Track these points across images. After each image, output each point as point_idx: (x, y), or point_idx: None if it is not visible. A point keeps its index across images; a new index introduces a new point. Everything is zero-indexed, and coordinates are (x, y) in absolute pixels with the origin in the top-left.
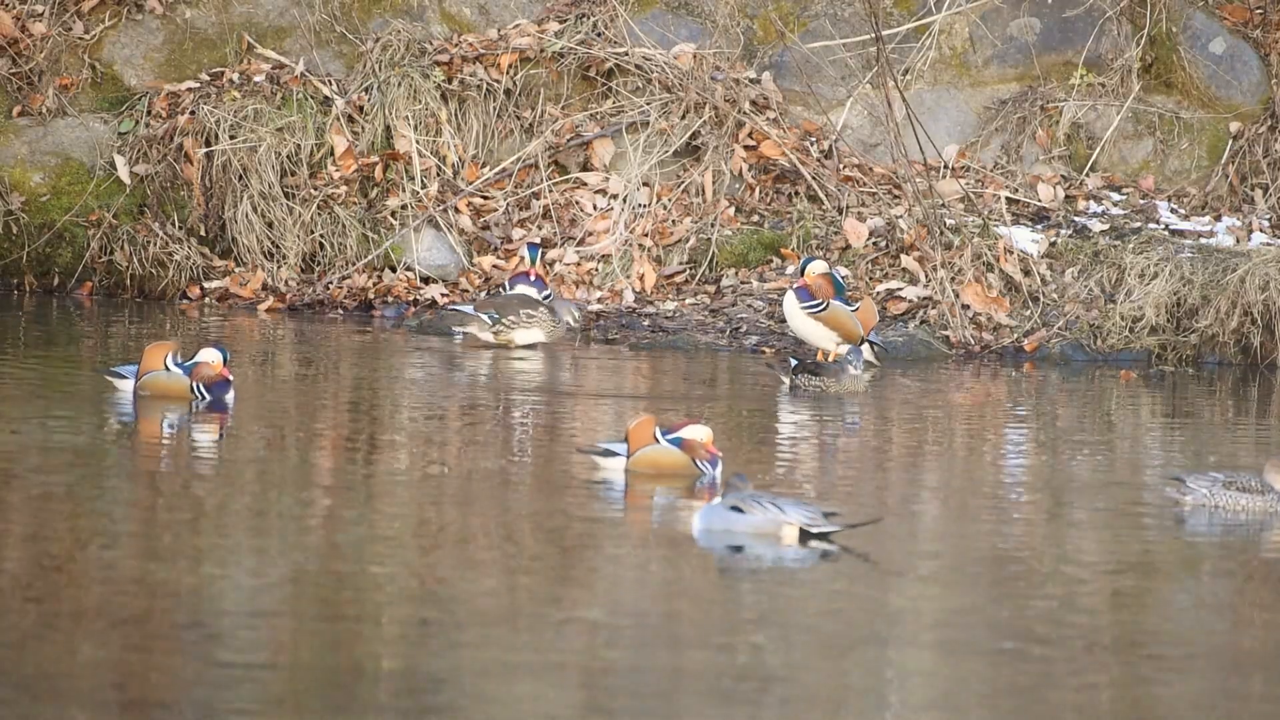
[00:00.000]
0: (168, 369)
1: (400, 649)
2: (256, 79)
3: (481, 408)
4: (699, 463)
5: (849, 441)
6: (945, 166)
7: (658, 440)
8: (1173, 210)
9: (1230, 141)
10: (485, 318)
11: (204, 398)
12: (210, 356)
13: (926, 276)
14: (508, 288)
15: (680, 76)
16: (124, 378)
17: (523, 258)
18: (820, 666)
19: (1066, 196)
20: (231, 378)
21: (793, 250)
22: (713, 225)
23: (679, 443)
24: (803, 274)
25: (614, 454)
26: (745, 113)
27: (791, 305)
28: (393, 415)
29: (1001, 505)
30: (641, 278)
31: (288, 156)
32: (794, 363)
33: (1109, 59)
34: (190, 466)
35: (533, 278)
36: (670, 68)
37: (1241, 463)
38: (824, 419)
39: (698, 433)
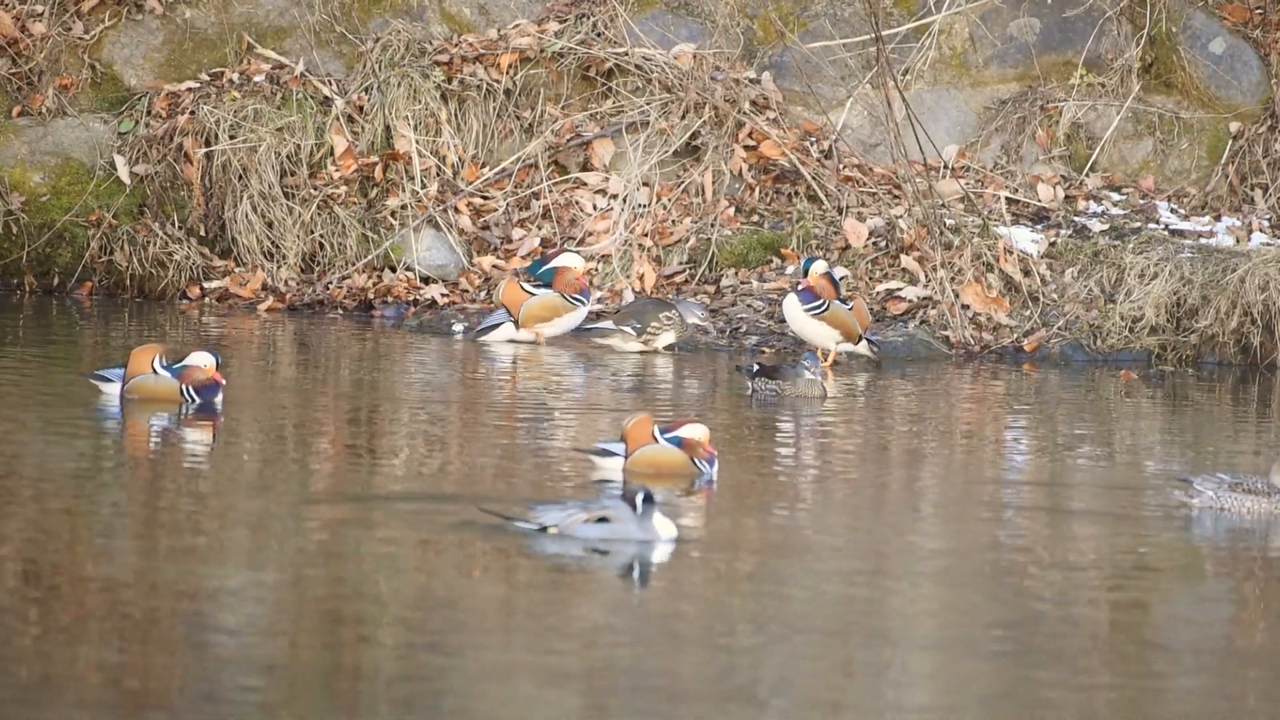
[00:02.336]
0: (155, 372)
1: (399, 650)
2: (256, 79)
3: (481, 408)
4: (697, 461)
5: (848, 441)
6: (945, 166)
7: (656, 439)
8: (1173, 210)
9: (1230, 141)
10: (629, 329)
11: (194, 401)
12: (202, 360)
13: (926, 276)
14: (586, 300)
15: (680, 76)
16: (109, 381)
17: (572, 267)
18: (820, 667)
19: (1066, 196)
20: (223, 381)
21: (793, 250)
22: (713, 225)
23: (678, 442)
24: (805, 274)
25: (611, 454)
26: (745, 113)
27: (794, 307)
28: (393, 416)
29: (1001, 505)
30: (641, 278)
31: (288, 156)
32: (756, 367)
33: (1109, 59)
34: (189, 469)
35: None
36: (670, 68)
37: (1243, 463)
38: (821, 420)
39: (695, 431)
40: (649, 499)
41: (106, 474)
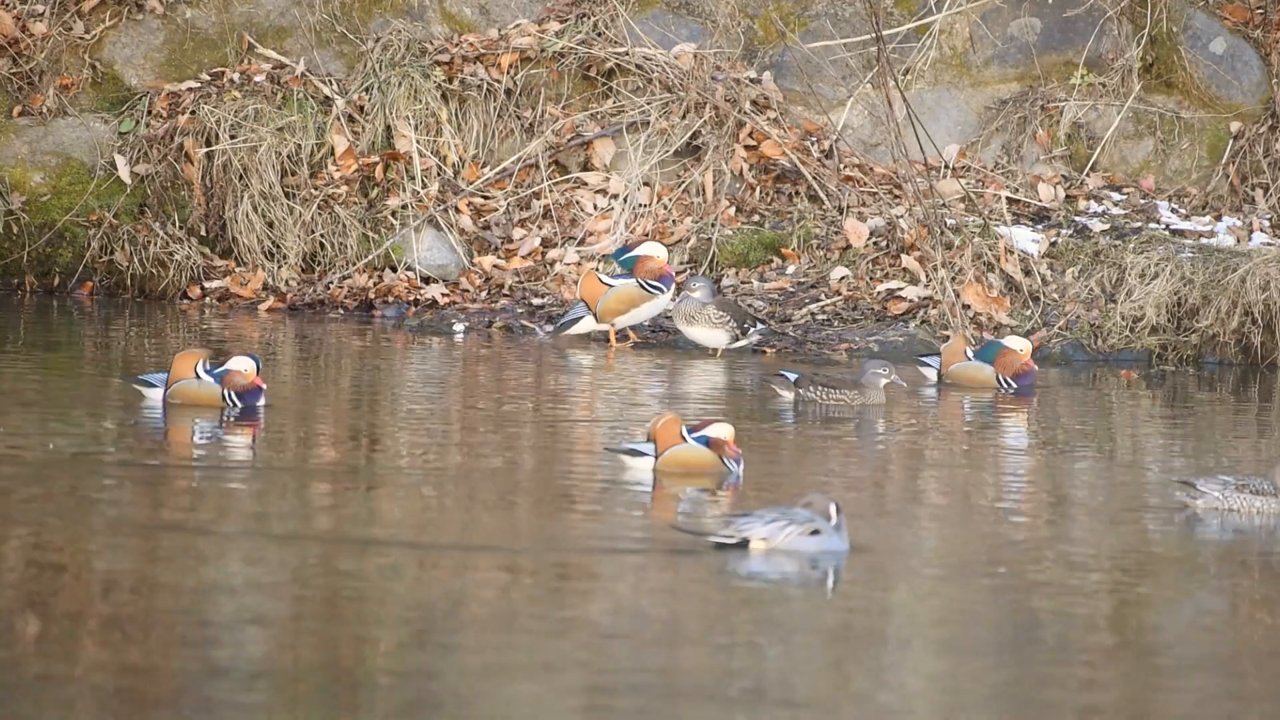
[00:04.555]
0: (198, 377)
1: (400, 650)
2: (257, 79)
3: (490, 408)
4: (726, 461)
5: (848, 442)
6: (945, 166)
7: (684, 439)
8: (1173, 210)
9: (1231, 141)
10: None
11: (235, 406)
12: (243, 365)
13: (927, 276)
14: (665, 288)
15: (681, 76)
16: (152, 386)
17: (655, 255)
18: (820, 667)
19: (1067, 196)
20: (264, 385)
21: (793, 250)
22: (713, 225)
23: (706, 441)
24: (996, 355)
25: (641, 453)
26: (745, 113)
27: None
28: (397, 414)
29: (1002, 505)
30: None
31: (288, 156)
32: (794, 376)
33: (1109, 59)
34: (195, 470)
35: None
36: (671, 68)
37: (1244, 462)
38: (819, 420)
39: (722, 431)
40: (840, 508)
41: (130, 477)
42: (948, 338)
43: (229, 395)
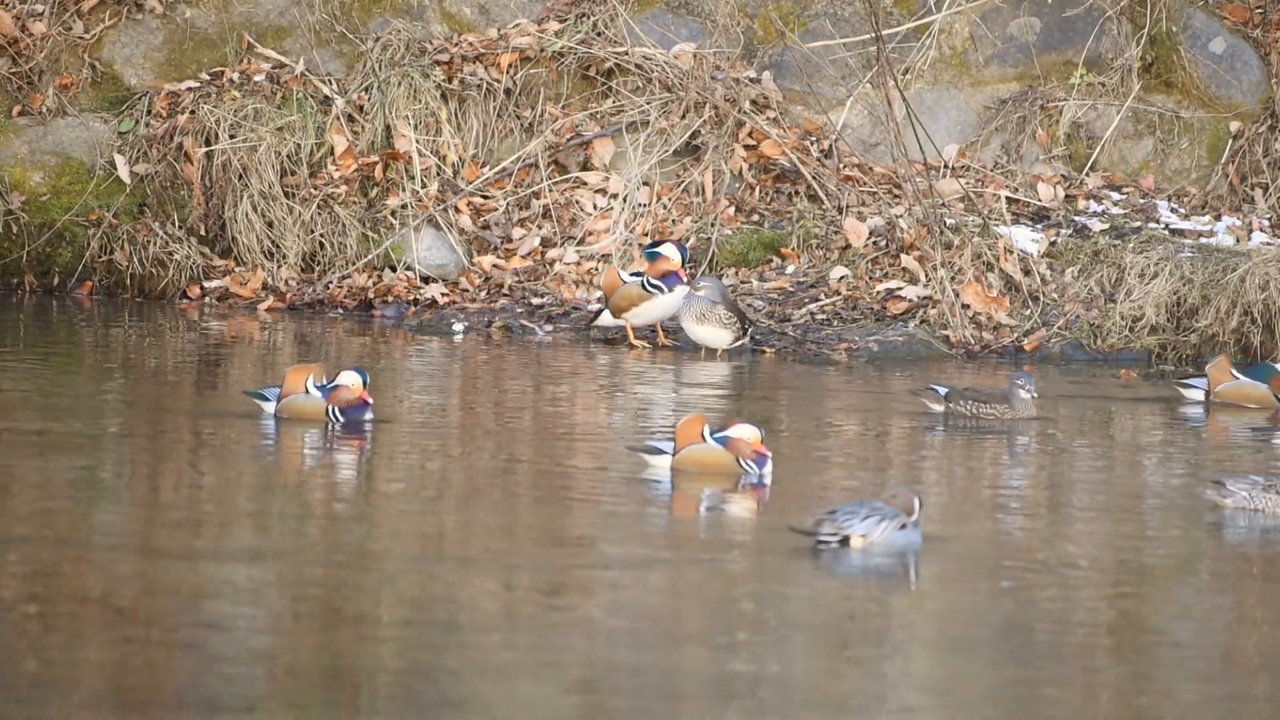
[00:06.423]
0: (307, 392)
1: (400, 649)
2: (256, 78)
3: (493, 405)
4: (744, 462)
5: (850, 440)
6: (945, 166)
7: (704, 439)
8: (1173, 210)
9: (1230, 141)
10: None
11: (339, 421)
12: (350, 380)
13: (926, 276)
14: (665, 289)
15: (680, 76)
16: (267, 400)
17: (666, 256)
18: (820, 667)
19: (1066, 196)
20: (371, 400)
21: (793, 250)
22: (713, 225)
23: (725, 441)
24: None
25: (661, 452)
26: (745, 112)
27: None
28: (395, 411)
29: (1002, 505)
30: None
31: (288, 156)
32: (944, 390)
33: (1109, 58)
34: (196, 469)
35: (684, 278)
36: (670, 67)
37: (1244, 463)
38: (821, 417)
39: (746, 432)
40: (922, 503)
41: (120, 474)
42: (947, 338)
43: (332, 410)
